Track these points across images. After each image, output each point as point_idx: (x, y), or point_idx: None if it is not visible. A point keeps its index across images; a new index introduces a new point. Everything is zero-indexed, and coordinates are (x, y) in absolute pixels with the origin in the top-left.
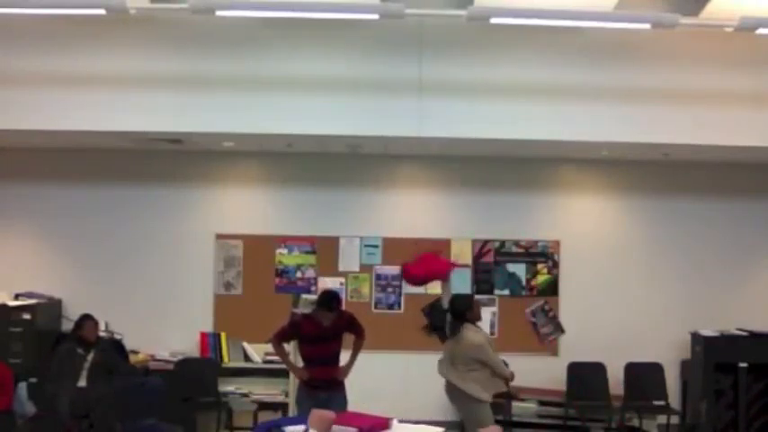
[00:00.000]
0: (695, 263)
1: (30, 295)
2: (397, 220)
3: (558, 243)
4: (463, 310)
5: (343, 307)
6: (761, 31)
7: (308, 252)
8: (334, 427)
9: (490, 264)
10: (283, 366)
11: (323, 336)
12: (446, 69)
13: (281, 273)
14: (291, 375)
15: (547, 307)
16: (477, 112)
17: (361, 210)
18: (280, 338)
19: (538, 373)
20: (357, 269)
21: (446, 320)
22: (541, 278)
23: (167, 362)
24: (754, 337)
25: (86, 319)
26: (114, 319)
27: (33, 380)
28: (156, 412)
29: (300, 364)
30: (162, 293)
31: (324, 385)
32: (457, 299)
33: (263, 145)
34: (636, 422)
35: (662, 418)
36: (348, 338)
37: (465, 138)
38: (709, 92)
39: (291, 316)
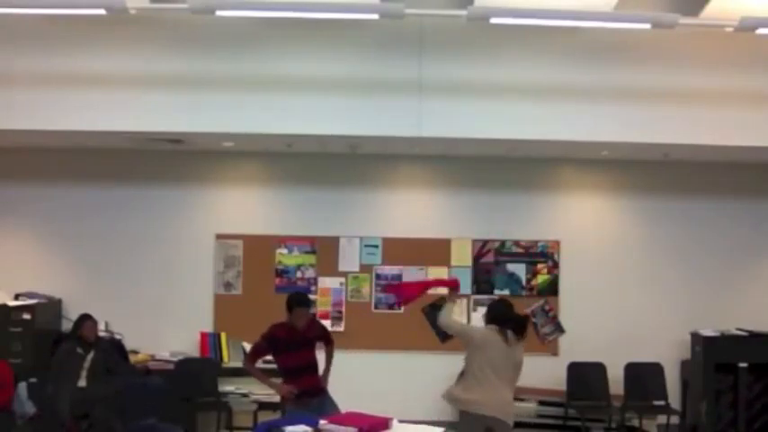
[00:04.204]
0: (695, 263)
1: (30, 295)
2: (397, 220)
3: (558, 243)
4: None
5: (343, 308)
6: (761, 31)
7: (308, 252)
8: (335, 427)
9: (490, 264)
10: None
11: (299, 341)
12: (446, 69)
13: (281, 273)
14: None
15: (547, 307)
16: (477, 112)
17: (361, 210)
18: (256, 357)
19: (538, 373)
20: (357, 269)
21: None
22: (541, 278)
23: (167, 362)
24: (754, 337)
25: (85, 319)
26: (114, 319)
27: (33, 380)
28: (156, 412)
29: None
30: (162, 293)
31: (311, 392)
32: (505, 303)
33: (263, 145)
34: (636, 422)
35: (662, 418)
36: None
37: (465, 138)
38: (709, 92)
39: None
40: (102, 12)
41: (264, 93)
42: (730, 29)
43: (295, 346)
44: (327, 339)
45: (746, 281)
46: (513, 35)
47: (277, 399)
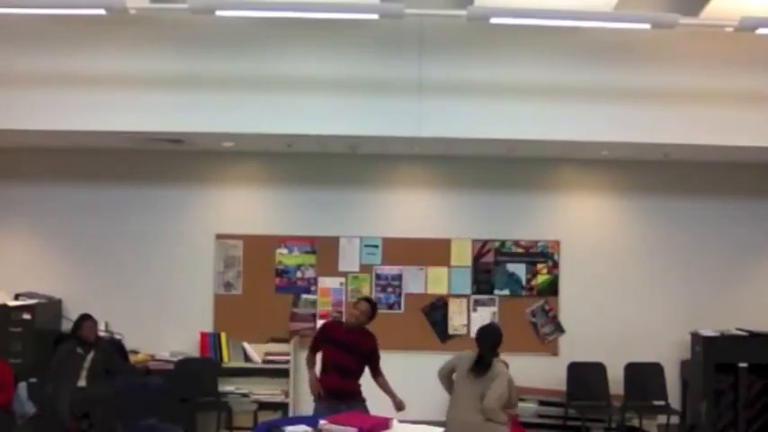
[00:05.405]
0: (695, 263)
1: (30, 295)
2: (397, 220)
3: (558, 243)
4: (498, 342)
5: (343, 308)
6: (761, 31)
7: (307, 252)
8: (335, 427)
9: (490, 264)
10: (283, 366)
11: (343, 341)
12: (446, 69)
13: (281, 273)
14: (291, 376)
15: (547, 307)
16: (476, 112)
17: (361, 210)
18: (312, 350)
19: (538, 373)
20: (357, 269)
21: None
22: (541, 278)
23: (167, 362)
24: (754, 337)
25: (85, 319)
26: (114, 319)
27: (33, 380)
28: (156, 412)
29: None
30: (162, 294)
31: (335, 394)
32: (493, 329)
33: (263, 145)
34: (636, 422)
35: (662, 418)
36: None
37: (465, 138)
38: (709, 92)
39: (291, 317)
40: (102, 12)
41: (264, 93)
42: (730, 29)
43: (336, 344)
44: (374, 369)
45: (746, 281)
46: (513, 35)
47: (278, 399)
